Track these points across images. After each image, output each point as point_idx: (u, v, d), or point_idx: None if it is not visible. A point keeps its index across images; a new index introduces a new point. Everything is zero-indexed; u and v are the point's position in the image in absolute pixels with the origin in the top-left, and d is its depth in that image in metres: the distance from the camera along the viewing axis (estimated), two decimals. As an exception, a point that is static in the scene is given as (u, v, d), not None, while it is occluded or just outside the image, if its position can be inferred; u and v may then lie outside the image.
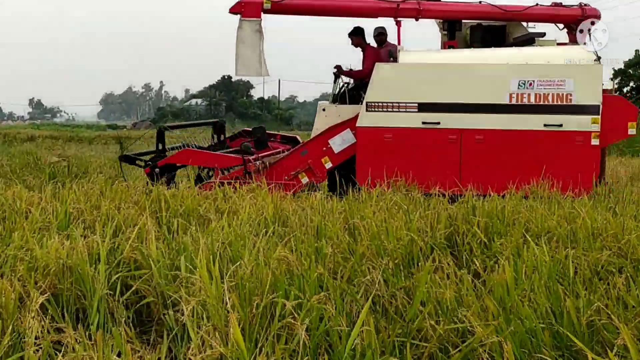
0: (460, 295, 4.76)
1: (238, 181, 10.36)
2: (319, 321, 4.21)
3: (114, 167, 14.09)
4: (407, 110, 11.14)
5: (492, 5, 11.95)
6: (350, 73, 12.37)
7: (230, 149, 12.74)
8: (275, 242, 6.23)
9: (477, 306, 4.47)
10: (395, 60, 11.54)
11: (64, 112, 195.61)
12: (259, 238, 5.94)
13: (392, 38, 12.27)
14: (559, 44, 11.79)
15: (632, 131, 11.07)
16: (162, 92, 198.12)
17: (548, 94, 10.82)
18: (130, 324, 4.65)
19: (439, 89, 11.09)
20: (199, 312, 4.28)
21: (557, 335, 4.19)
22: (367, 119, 11.28)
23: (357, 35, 12.45)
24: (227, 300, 4.20)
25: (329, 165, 11.52)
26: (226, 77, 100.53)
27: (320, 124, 11.86)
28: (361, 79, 12.07)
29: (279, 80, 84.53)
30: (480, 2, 12.07)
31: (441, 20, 12.56)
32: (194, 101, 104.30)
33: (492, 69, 11.02)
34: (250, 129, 13.74)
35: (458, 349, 4.14)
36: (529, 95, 10.85)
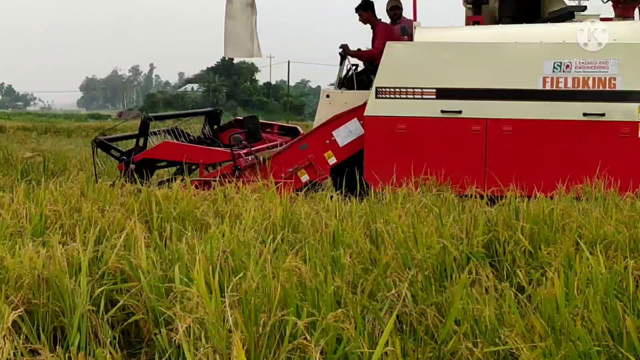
0: (501, 312, 4.75)
1: (226, 179, 10.29)
2: (336, 343, 4.22)
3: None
4: (424, 96, 11.03)
5: None
6: (358, 53, 12.31)
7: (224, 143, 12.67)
8: (285, 251, 6.24)
9: (522, 326, 4.45)
10: (410, 38, 11.46)
11: (39, 100, 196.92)
12: (266, 246, 5.94)
13: (407, 13, 12.24)
14: (602, 20, 11.66)
15: None
16: (153, 76, 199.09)
17: (588, 78, 10.67)
18: (117, 345, 4.67)
19: (460, 72, 10.98)
20: (196, 331, 4.29)
21: (616, 360, 4.18)
22: (376, 107, 11.18)
23: (366, 10, 12.39)
24: (229, 317, 4.21)
25: (332, 160, 11.44)
26: (226, 58, 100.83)
27: (324, 113, 11.81)
28: (371, 61, 11.98)
29: (289, 62, 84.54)
30: None
31: None
32: (189, 87, 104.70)
33: (523, 48, 10.90)
34: (242, 119, 13.65)
35: (499, 375, 4.14)
36: (565, 79, 10.69)
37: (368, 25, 12.44)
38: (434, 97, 11.00)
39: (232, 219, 7.49)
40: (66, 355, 4.32)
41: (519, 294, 5.26)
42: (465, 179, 10.47)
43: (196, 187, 9.97)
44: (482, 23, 11.89)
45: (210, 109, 14.30)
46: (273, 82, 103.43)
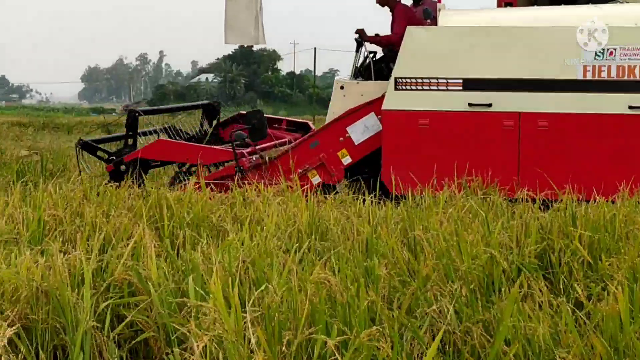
0: (557, 331, 4.74)
1: (227, 181, 10.28)
2: (371, 364, 4.22)
3: (100, 163, 14.19)
4: (449, 88, 10.94)
5: None
6: (376, 39, 12.21)
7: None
8: (312, 261, 6.25)
9: (580, 346, 4.44)
10: (433, 22, 11.40)
11: (36, 92, 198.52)
12: (291, 255, 5.95)
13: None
14: None
15: None
16: (162, 65, 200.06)
17: (635, 67, 10.58)
18: (124, 366, 4.70)
19: (490, 60, 10.90)
20: (214, 351, 4.30)
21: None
22: (395, 100, 11.10)
23: None
24: (251, 336, 4.22)
25: (347, 160, 11.36)
26: (245, 45, 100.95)
27: (338, 106, 11.73)
28: (390, 47, 11.89)
29: (315, 50, 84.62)
30: None
31: None
32: (203, 77, 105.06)
33: (561, 33, 10.81)
34: (245, 113, 13.57)
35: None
36: (609, 68, 10.58)
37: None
38: (461, 88, 10.93)
39: (252, 225, 7.51)
40: (68, 377, 4.35)
41: (577, 311, 5.24)
42: (495, 180, 10.40)
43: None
44: (515, 5, 11.76)
45: (207, 101, 14.26)
46: (297, 72, 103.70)
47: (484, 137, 10.84)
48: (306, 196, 8.67)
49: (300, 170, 11.19)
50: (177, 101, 79.25)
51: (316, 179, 11.28)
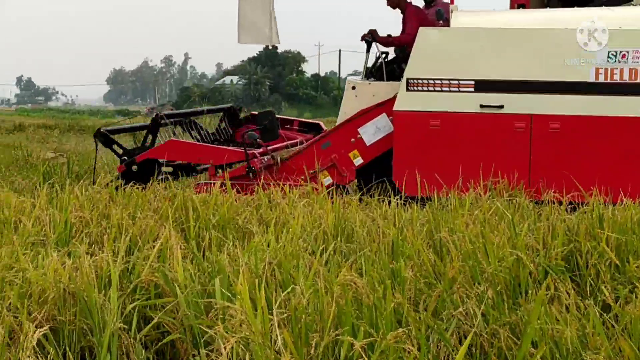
0: (584, 333, 4.72)
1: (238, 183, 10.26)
2: (397, 366, 4.22)
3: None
4: (460, 89, 10.87)
5: None
6: (387, 40, 12.15)
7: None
8: (338, 263, 6.25)
9: (608, 349, 4.42)
10: (445, 23, 11.33)
11: (61, 95, 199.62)
12: (317, 257, 5.96)
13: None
14: None
15: None
16: (187, 67, 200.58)
17: None
18: (151, 368, 4.72)
19: (502, 61, 10.82)
20: (240, 353, 4.32)
21: None
22: (407, 101, 11.04)
23: None
24: (278, 337, 4.23)
25: (359, 161, 11.32)
26: (270, 47, 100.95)
27: (349, 107, 11.69)
28: (402, 48, 11.87)
29: (340, 52, 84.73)
30: None
31: None
32: (228, 79, 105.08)
33: (573, 36, 10.75)
34: (257, 114, 13.57)
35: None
36: (621, 70, 10.49)
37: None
38: (472, 89, 10.86)
39: (278, 227, 7.52)
40: (95, 378, 4.37)
41: (604, 313, 5.22)
42: (506, 182, 10.33)
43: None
44: (528, 6, 11.69)
45: (229, 105, 14.29)
46: (322, 74, 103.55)
47: (496, 138, 10.79)
48: (332, 198, 8.68)
49: (311, 171, 11.16)
50: (202, 103, 79.42)
51: (327, 180, 11.25)
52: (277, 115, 13.86)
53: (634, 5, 11.37)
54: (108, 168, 13.65)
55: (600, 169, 10.44)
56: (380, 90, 11.54)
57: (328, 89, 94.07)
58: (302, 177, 10.96)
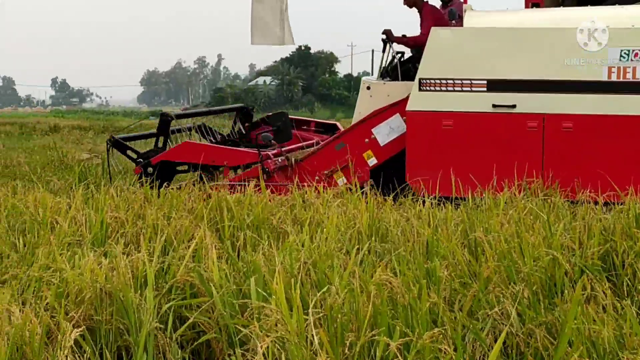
0: (621, 333, 4.68)
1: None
2: (433, 366, 4.21)
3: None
4: (473, 89, 10.82)
5: None
6: (403, 39, 12.14)
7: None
8: (372, 262, 6.25)
9: (646, 349, 4.39)
10: (459, 23, 11.26)
11: (96, 96, 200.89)
12: (352, 257, 5.95)
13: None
14: None
15: None
16: (221, 68, 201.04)
17: None
18: (187, 367, 4.73)
19: (515, 61, 10.76)
20: (276, 352, 4.32)
21: None
22: (419, 101, 11.01)
23: None
24: (314, 337, 4.23)
25: (373, 161, 11.29)
26: (303, 47, 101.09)
27: (364, 107, 11.68)
28: (418, 48, 11.78)
29: (373, 52, 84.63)
30: None
31: None
32: (261, 80, 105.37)
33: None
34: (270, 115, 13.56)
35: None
36: (634, 69, 10.40)
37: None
38: (485, 89, 10.80)
39: (312, 227, 7.53)
40: (132, 378, 4.39)
41: (642, 313, 5.19)
42: (519, 182, 10.26)
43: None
44: (542, 5, 11.63)
45: (241, 105, 14.31)
46: (355, 74, 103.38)
47: (508, 138, 10.74)
48: (366, 198, 8.68)
49: (326, 172, 11.19)
50: (236, 104, 79.68)
51: (342, 180, 11.19)
52: (294, 117, 13.99)
53: None
54: (124, 170, 13.69)
55: (612, 168, 10.36)
56: (395, 90, 11.52)
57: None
58: (317, 177, 10.98)
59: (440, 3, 12.50)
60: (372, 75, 13.97)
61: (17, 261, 6.42)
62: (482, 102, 10.81)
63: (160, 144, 12.05)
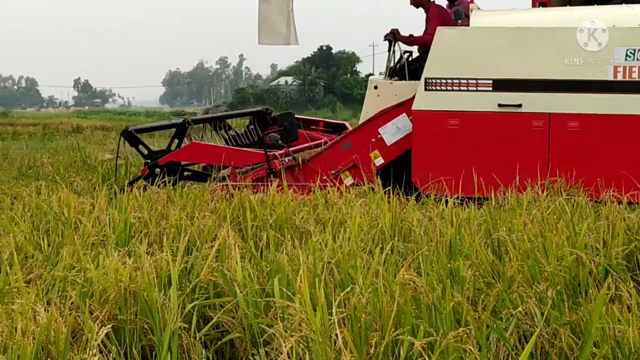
0: (646, 333, 4.66)
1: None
2: (457, 366, 4.20)
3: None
4: (479, 88, 10.77)
5: None
6: (409, 39, 12.09)
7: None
8: (395, 262, 6.24)
9: (672, 349, 4.36)
10: (465, 22, 11.25)
11: (118, 97, 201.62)
12: (375, 256, 5.95)
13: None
14: None
15: None
16: (242, 68, 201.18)
17: None
18: (211, 367, 4.74)
19: (520, 60, 10.72)
20: (300, 352, 4.32)
21: None
22: (425, 101, 10.98)
23: None
24: (338, 337, 4.23)
25: (379, 161, 11.24)
26: (324, 47, 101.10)
27: (371, 107, 11.68)
28: (425, 47, 11.69)
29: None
30: None
31: None
32: (282, 80, 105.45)
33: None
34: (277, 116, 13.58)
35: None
36: (639, 68, 10.50)
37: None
38: (490, 89, 10.76)
39: (335, 226, 7.53)
40: (156, 377, 4.40)
41: (667, 313, 5.16)
42: (524, 182, 10.22)
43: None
44: (549, 5, 11.57)
45: (258, 108, 14.32)
46: (376, 74, 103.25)
47: (514, 137, 10.71)
48: (389, 198, 8.67)
49: (333, 171, 11.17)
50: (256, 104, 79.77)
51: (349, 180, 11.15)
52: (303, 117, 14.08)
53: None
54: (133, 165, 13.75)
55: (618, 167, 10.33)
56: (402, 89, 11.50)
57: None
58: (324, 177, 10.97)
59: (447, 2, 12.45)
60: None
61: (41, 261, 6.46)
62: (488, 102, 10.78)
63: (173, 147, 12.03)
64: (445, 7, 12.35)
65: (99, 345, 4.49)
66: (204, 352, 4.97)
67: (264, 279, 5.66)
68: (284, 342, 4.28)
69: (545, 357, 4.73)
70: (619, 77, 10.40)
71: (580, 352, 4.47)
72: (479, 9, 11.28)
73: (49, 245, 6.86)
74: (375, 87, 11.89)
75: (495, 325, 4.78)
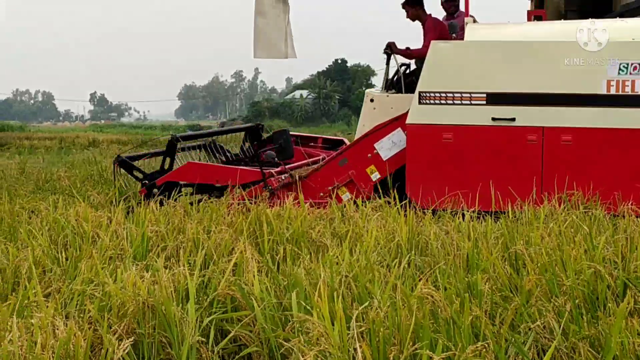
0: (666, 348, 4.64)
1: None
2: (476, 380, 4.19)
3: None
4: (472, 102, 10.74)
5: None
6: (406, 52, 12.10)
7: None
8: (412, 276, 6.23)
9: (691, 363, 4.34)
10: (460, 35, 11.22)
11: (134, 110, 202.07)
12: (393, 270, 5.95)
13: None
14: None
15: None
16: (258, 82, 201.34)
17: None
18: (229, 381, 4.74)
19: (514, 74, 10.69)
20: (318, 366, 4.32)
21: None
22: (419, 114, 10.94)
23: (413, 5, 12.19)
24: (356, 351, 4.22)
25: (376, 176, 11.19)
26: (339, 61, 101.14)
27: (368, 120, 11.70)
28: (422, 60, 11.60)
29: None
30: None
31: None
32: (297, 93, 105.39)
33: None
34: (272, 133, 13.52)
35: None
36: (633, 82, 10.30)
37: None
38: (484, 102, 10.74)
39: (352, 240, 7.53)
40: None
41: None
42: (518, 194, 10.25)
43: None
44: (545, 18, 11.55)
45: (250, 124, 14.33)
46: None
47: (508, 151, 10.68)
48: (405, 212, 8.67)
49: (330, 187, 11.14)
50: (272, 118, 79.75)
51: (346, 196, 11.13)
52: (302, 134, 14.12)
53: None
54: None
55: (612, 181, 10.32)
56: (398, 102, 11.50)
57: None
58: (321, 194, 10.97)
59: (445, 15, 12.46)
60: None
61: (60, 275, 6.49)
62: (482, 115, 10.75)
63: (166, 166, 12.04)
64: (443, 19, 12.35)
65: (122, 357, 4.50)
66: (221, 366, 4.98)
67: (281, 292, 5.67)
68: (302, 356, 4.28)
69: (564, 371, 4.71)
70: (612, 91, 10.38)
71: (599, 367, 4.45)
72: (475, 22, 11.30)
73: (67, 259, 6.90)
74: (372, 100, 11.94)
75: (513, 339, 4.77)
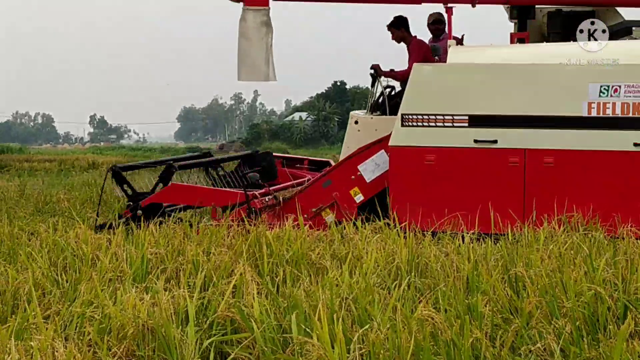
0: (667, 370, 4.63)
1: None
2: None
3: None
4: (455, 124, 10.77)
5: None
6: (391, 74, 12.16)
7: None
8: (412, 298, 6.22)
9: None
10: (442, 58, 11.27)
11: (133, 132, 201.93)
12: (394, 293, 5.94)
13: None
14: None
15: None
16: (257, 104, 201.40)
17: (639, 104, 10.33)
18: (229, 403, 4.73)
19: (496, 97, 10.73)
20: (318, 388, 4.31)
21: None
22: (402, 136, 10.95)
23: (398, 27, 12.25)
24: (357, 373, 4.22)
25: (359, 198, 11.19)
26: (338, 83, 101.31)
27: (352, 142, 11.75)
28: (406, 82, 11.57)
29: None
30: None
31: (509, 6, 12.24)
32: (297, 115, 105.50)
33: (565, 70, 10.63)
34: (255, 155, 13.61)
35: None
36: (613, 105, 10.32)
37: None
38: (467, 124, 10.76)
39: (351, 262, 7.52)
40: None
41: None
42: (500, 217, 10.25)
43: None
44: (528, 41, 11.61)
45: (248, 152, 14.36)
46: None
47: (490, 173, 10.67)
48: (405, 233, 8.66)
49: (313, 210, 11.14)
50: (272, 140, 79.80)
51: (330, 218, 11.11)
52: (288, 155, 14.32)
53: (634, 38, 11.27)
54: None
55: (593, 203, 10.30)
56: (382, 124, 11.53)
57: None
58: (305, 216, 10.84)
59: (431, 37, 12.52)
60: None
61: (59, 297, 6.48)
62: (464, 137, 10.77)
63: (157, 190, 12.01)
64: (429, 42, 12.40)
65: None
66: (221, 389, 4.96)
67: (281, 314, 5.66)
68: (303, 379, 4.27)
69: (565, 393, 4.70)
70: (594, 113, 10.40)
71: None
72: (460, 44, 11.34)
73: (66, 282, 6.88)
74: (356, 122, 12.02)
75: (514, 361, 4.76)
